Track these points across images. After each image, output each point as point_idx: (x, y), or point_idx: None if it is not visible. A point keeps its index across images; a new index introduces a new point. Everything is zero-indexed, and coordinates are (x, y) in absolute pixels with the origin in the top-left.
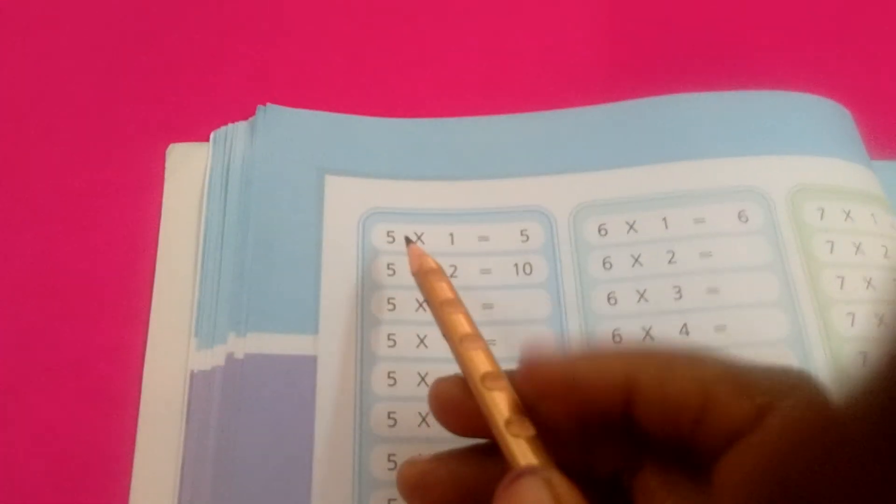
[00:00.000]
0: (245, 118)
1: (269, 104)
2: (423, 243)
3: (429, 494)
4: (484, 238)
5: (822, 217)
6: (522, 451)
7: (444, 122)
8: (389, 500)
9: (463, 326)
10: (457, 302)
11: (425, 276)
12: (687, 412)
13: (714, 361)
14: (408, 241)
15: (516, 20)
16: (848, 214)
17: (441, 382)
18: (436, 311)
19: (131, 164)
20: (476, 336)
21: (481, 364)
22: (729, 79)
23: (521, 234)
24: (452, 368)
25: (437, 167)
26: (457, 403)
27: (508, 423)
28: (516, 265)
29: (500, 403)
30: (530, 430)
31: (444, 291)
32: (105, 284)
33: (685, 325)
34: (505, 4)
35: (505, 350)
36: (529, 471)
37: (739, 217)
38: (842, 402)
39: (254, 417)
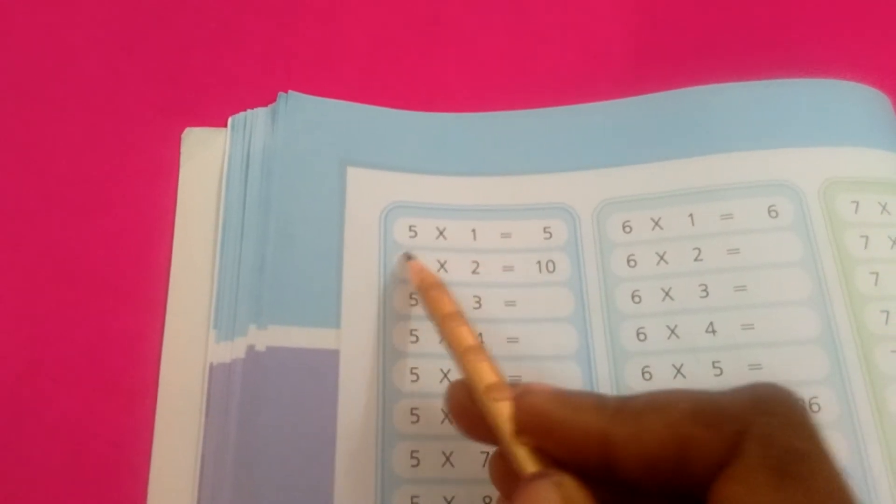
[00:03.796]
0: (263, 103)
1: (290, 91)
2: (446, 239)
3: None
4: (506, 235)
5: (856, 210)
6: (529, 458)
7: (468, 116)
8: (412, 497)
9: (466, 339)
10: (459, 315)
11: (427, 291)
12: (665, 461)
13: (683, 399)
14: (408, 257)
15: (543, 13)
16: (884, 207)
17: (453, 388)
18: (439, 325)
19: (145, 148)
20: (479, 348)
21: (486, 375)
22: (762, 67)
23: (545, 232)
24: None
25: (460, 162)
26: (467, 409)
27: (514, 433)
28: (539, 263)
29: (504, 413)
30: (535, 441)
31: (446, 305)
32: (119, 273)
33: (711, 323)
34: None
35: (527, 348)
36: (540, 475)
37: (769, 212)
38: None
39: (275, 411)
